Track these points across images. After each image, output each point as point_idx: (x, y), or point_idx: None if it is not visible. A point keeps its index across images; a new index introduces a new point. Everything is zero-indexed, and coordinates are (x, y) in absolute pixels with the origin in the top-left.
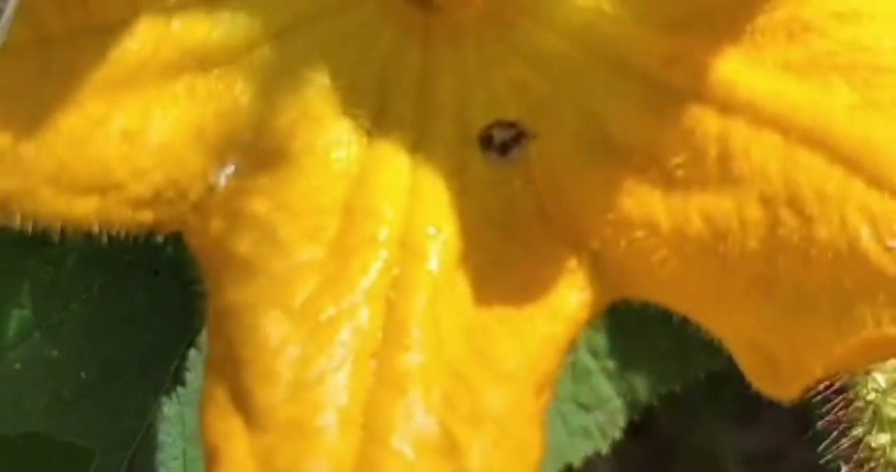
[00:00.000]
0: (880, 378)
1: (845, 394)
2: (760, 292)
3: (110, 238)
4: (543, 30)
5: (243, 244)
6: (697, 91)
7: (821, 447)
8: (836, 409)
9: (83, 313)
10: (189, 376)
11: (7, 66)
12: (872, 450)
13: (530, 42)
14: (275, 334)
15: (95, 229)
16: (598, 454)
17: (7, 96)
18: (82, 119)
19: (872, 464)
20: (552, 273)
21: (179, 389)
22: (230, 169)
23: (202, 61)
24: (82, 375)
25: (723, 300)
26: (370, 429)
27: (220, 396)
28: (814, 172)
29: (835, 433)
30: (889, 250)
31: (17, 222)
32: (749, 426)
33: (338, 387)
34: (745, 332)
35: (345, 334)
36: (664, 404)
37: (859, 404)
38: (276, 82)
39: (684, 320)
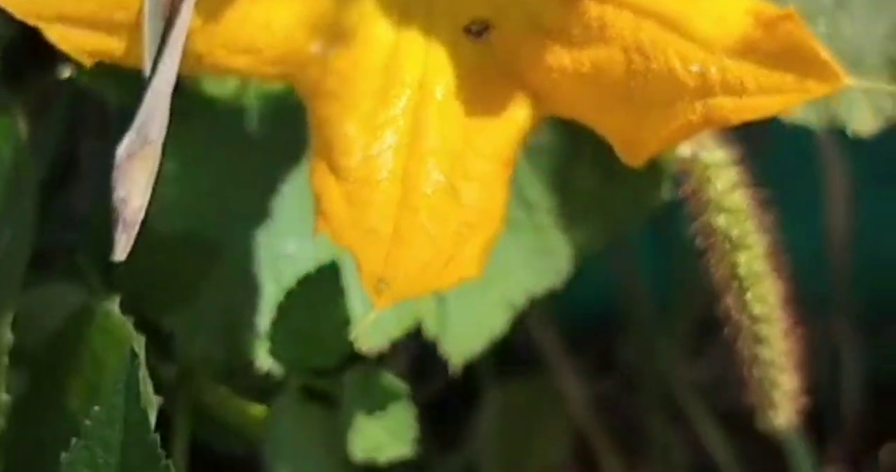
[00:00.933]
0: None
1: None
2: (623, 101)
3: None
4: None
5: (329, 84)
6: None
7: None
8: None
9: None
10: None
11: None
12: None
13: None
14: (350, 131)
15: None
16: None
17: None
18: (241, 12)
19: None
20: (509, 100)
21: None
22: (320, 44)
23: None
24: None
25: (602, 108)
26: (408, 180)
27: (321, 166)
28: (651, 32)
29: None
30: (690, 72)
31: (202, 73)
32: (698, 359)
33: (387, 159)
34: (615, 126)
35: (390, 131)
36: (626, 343)
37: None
38: None
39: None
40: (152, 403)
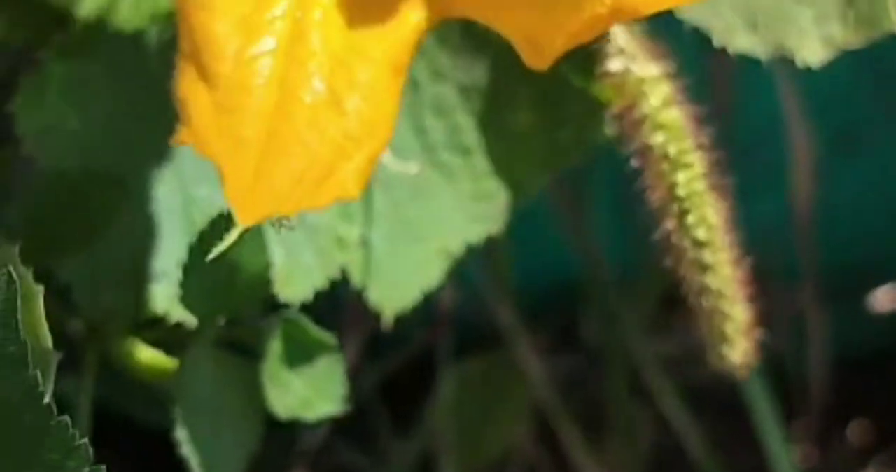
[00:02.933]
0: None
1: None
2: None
3: None
4: None
5: None
6: None
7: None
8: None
9: None
10: None
11: None
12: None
13: None
14: (223, 33)
15: None
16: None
17: None
18: None
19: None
20: (401, 1)
21: None
22: None
23: None
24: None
25: (503, 5)
26: (286, 86)
27: (189, 71)
28: None
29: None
30: None
31: None
32: (663, 334)
33: (264, 65)
34: (518, 24)
35: (268, 34)
36: (589, 319)
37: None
38: None
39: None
40: (48, 351)
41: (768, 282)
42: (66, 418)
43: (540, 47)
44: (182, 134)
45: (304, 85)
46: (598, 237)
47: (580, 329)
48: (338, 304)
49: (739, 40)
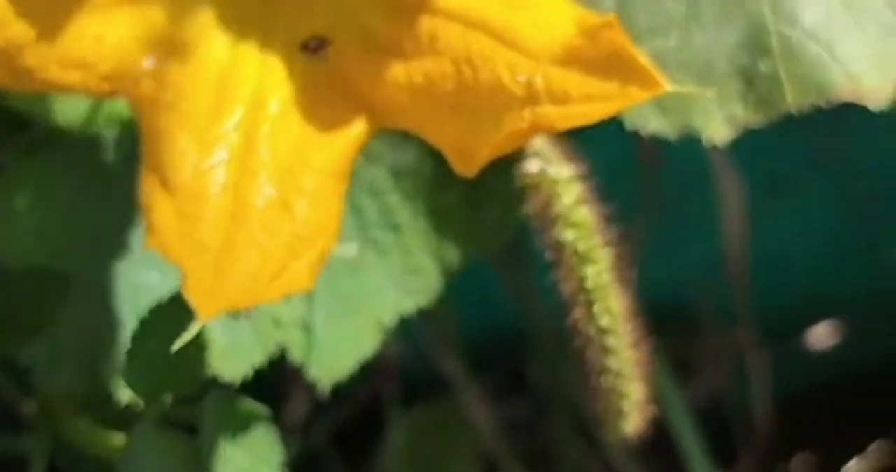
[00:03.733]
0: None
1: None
2: (454, 112)
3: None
4: None
5: (163, 98)
6: (417, 6)
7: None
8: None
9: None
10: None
11: None
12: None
13: None
14: (182, 146)
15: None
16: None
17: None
18: (75, 26)
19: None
20: (344, 115)
21: None
22: (154, 58)
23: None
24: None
25: (435, 119)
26: (239, 194)
27: (152, 181)
28: (480, 44)
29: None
30: (518, 82)
31: (34, 88)
32: None
33: (218, 174)
34: (447, 136)
35: (222, 146)
36: (532, 363)
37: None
38: (183, 8)
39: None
40: None
41: (706, 326)
42: None
43: (467, 156)
44: (147, 240)
45: (256, 192)
46: (539, 289)
47: (526, 375)
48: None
49: (650, 124)
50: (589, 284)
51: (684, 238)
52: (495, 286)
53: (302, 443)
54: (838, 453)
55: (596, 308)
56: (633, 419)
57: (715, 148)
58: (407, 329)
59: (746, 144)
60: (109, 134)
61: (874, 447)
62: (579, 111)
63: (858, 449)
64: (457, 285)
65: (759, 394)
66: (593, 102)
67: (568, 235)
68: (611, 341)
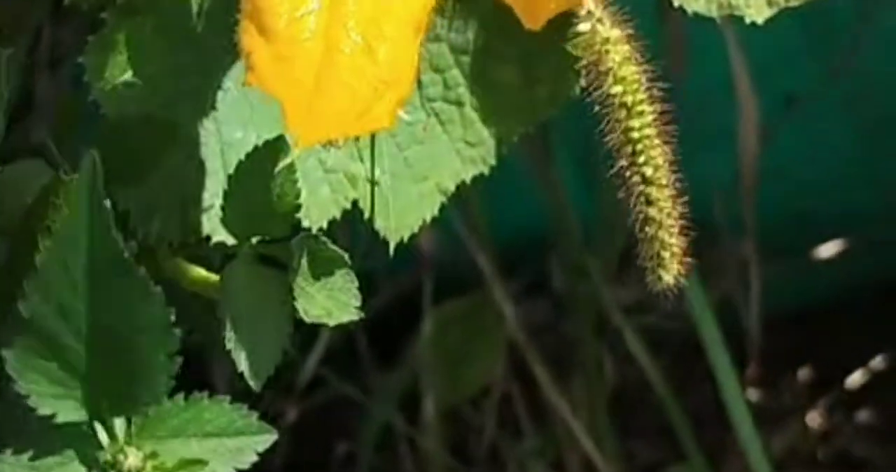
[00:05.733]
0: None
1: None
2: None
3: None
4: None
5: None
6: None
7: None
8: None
9: None
10: None
11: None
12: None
13: None
14: None
15: None
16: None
17: None
18: None
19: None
20: None
21: None
22: None
23: None
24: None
25: None
26: (329, 39)
27: (250, 28)
28: None
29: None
30: None
31: None
32: (624, 282)
33: (310, 21)
34: None
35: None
36: (556, 265)
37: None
38: None
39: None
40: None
41: (721, 235)
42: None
43: (534, 9)
44: (247, 78)
45: (344, 38)
46: (565, 195)
47: (551, 277)
48: None
49: (695, 3)
50: (634, 134)
51: (705, 151)
52: (525, 191)
53: (338, 329)
54: (844, 365)
55: (640, 158)
56: (673, 269)
57: (735, 62)
58: (444, 226)
59: (765, 62)
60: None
61: (877, 361)
62: None
63: (862, 362)
64: (490, 189)
65: (757, 304)
66: None
67: (616, 88)
68: (654, 192)
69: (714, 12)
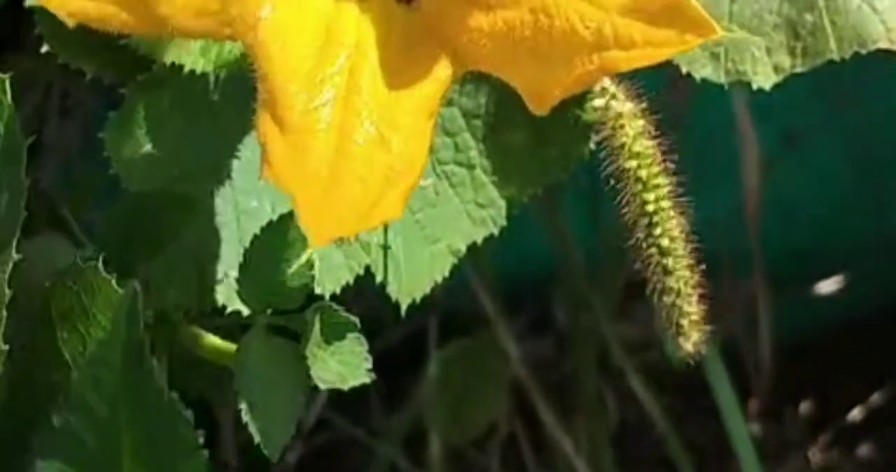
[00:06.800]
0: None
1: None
2: (531, 56)
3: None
4: None
5: (277, 43)
6: None
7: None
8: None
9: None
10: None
11: None
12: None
13: None
14: (292, 87)
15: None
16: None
17: None
18: None
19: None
20: (433, 59)
21: None
22: (270, 7)
23: None
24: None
25: (513, 63)
26: (343, 130)
27: (266, 118)
28: None
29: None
30: (588, 29)
31: (166, 33)
32: (626, 319)
33: (325, 112)
34: (524, 78)
35: (328, 87)
36: (560, 303)
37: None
38: None
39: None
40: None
41: (726, 271)
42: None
43: (541, 96)
44: (263, 171)
45: (358, 129)
46: (569, 233)
47: (554, 315)
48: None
49: (702, 69)
50: (650, 208)
51: (709, 188)
52: (529, 232)
53: None
54: (845, 399)
55: (657, 231)
56: (693, 337)
57: (736, 103)
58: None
59: (767, 101)
60: (216, 74)
61: (878, 396)
62: (642, 55)
63: (862, 394)
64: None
65: (766, 338)
66: (654, 46)
67: (631, 163)
68: (671, 261)
69: (722, 78)
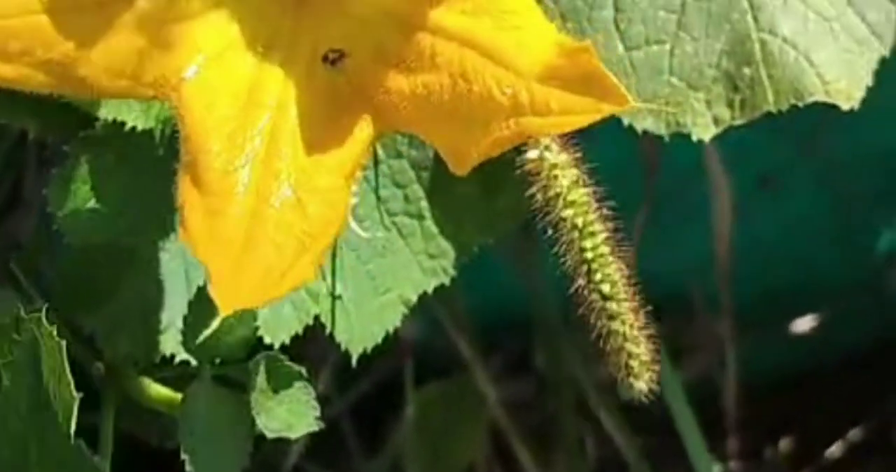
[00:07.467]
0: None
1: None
2: (450, 118)
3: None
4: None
5: (200, 103)
6: (421, 25)
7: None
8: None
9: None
10: None
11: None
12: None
13: (348, 7)
14: (213, 148)
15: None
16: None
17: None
18: (114, 42)
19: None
20: (355, 120)
21: None
22: (192, 69)
23: None
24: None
25: (433, 124)
26: (261, 193)
27: (186, 179)
28: (473, 60)
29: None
30: (505, 94)
31: (86, 95)
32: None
33: (243, 174)
34: (444, 139)
35: (248, 149)
36: (536, 346)
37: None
38: (217, 26)
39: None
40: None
41: (698, 314)
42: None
43: (460, 156)
44: (180, 235)
45: (276, 192)
46: (543, 275)
47: (531, 357)
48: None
49: (645, 123)
50: (588, 255)
51: (684, 230)
52: (505, 275)
53: (322, 414)
54: (823, 435)
55: (597, 276)
56: (644, 377)
57: (707, 146)
58: (424, 312)
59: (737, 144)
60: (158, 130)
61: (855, 432)
62: (558, 122)
63: (841, 430)
64: (470, 273)
65: (731, 378)
66: (570, 114)
67: (567, 212)
68: (613, 306)
69: (663, 130)
